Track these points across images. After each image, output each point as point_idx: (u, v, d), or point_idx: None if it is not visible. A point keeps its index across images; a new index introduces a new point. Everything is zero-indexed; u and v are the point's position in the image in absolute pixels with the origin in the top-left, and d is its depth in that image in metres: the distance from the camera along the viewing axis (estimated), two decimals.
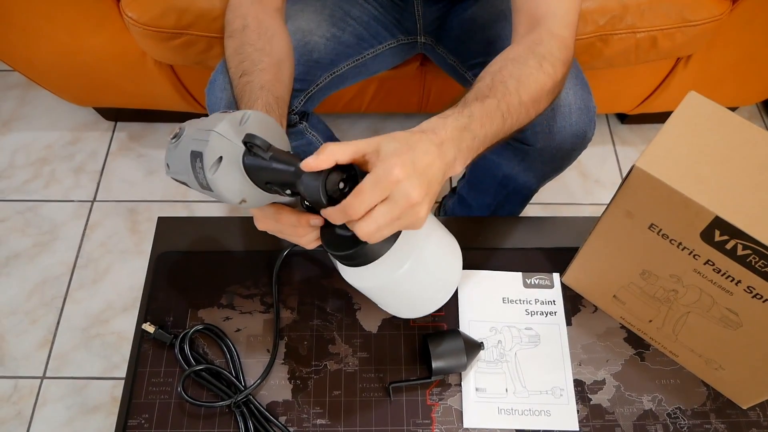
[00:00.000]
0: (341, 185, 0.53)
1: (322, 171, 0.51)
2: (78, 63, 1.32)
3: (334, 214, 0.52)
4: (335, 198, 0.53)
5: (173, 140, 0.61)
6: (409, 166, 0.51)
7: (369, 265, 0.58)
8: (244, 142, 0.55)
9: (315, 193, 0.52)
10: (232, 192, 0.57)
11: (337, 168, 0.53)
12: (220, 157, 0.55)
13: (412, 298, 0.66)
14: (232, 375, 0.73)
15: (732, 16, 1.19)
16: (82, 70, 1.35)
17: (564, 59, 0.70)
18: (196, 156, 0.56)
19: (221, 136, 0.55)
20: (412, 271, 0.60)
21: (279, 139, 0.60)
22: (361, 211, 0.50)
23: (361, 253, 0.57)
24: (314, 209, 0.59)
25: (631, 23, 1.16)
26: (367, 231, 0.51)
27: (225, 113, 0.58)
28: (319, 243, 0.64)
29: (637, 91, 1.46)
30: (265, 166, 0.55)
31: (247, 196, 0.58)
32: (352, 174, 0.55)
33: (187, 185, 0.63)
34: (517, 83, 0.64)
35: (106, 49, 1.27)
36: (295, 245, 0.79)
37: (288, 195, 0.58)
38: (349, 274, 0.63)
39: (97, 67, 1.34)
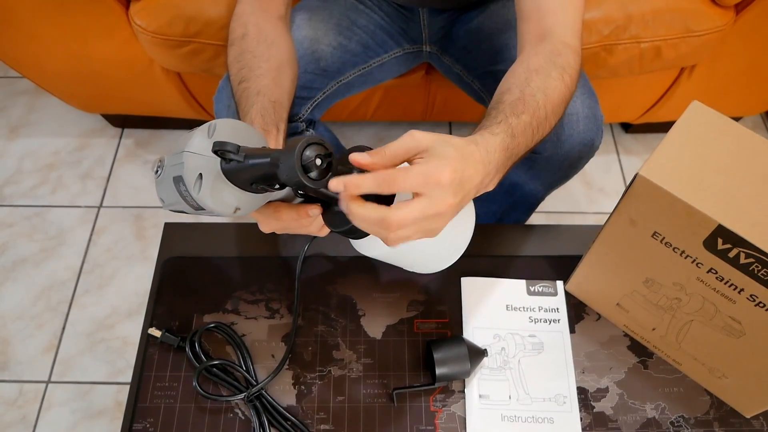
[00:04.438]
0: (318, 162, 0.53)
1: (294, 150, 0.51)
2: (86, 70, 1.34)
3: (367, 181, 0.50)
4: (316, 178, 0.53)
5: (157, 175, 0.61)
6: (458, 173, 0.51)
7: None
8: (215, 151, 0.55)
9: (293, 173, 0.51)
10: (222, 204, 0.57)
11: (310, 144, 0.52)
12: (200, 174, 0.56)
13: (428, 253, 0.66)
14: (243, 370, 0.74)
15: (736, 27, 1.20)
16: (91, 77, 1.36)
17: (578, 70, 0.71)
18: (179, 181, 0.56)
19: (193, 153, 0.55)
20: None
21: (252, 139, 0.60)
22: (401, 188, 0.50)
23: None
24: (310, 199, 0.60)
25: (636, 33, 1.17)
26: (393, 227, 0.50)
27: (193, 131, 0.58)
28: (327, 230, 0.64)
29: (641, 101, 1.47)
30: (242, 167, 0.55)
31: (239, 203, 0.58)
32: (327, 152, 0.54)
33: (186, 213, 0.63)
34: (544, 97, 0.64)
35: (114, 57, 1.29)
36: (313, 238, 0.80)
37: (277, 189, 0.58)
38: (361, 246, 0.64)
39: (105, 75, 1.35)
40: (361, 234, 0.59)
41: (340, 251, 0.83)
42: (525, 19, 0.74)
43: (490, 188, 0.60)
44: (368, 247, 0.64)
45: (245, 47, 0.76)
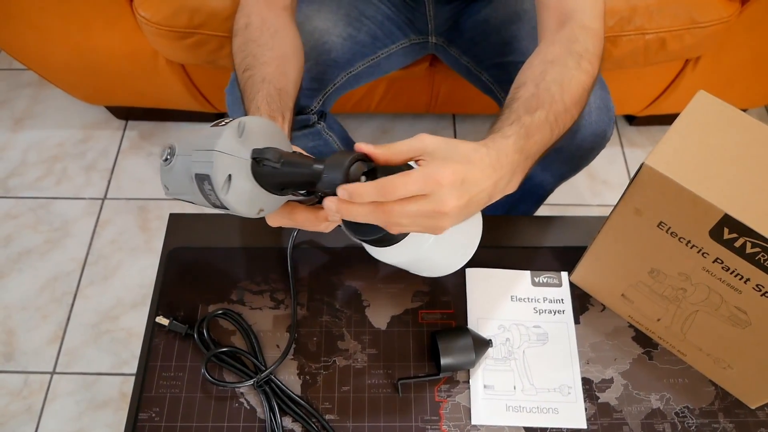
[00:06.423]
0: (362, 179, 0.53)
1: (343, 165, 0.51)
2: (90, 62, 1.34)
3: (367, 190, 0.51)
4: None
5: (166, 162, 0.59)
6: (459, 175, 0.51)
7: (396, 244, 0.59)
8: (254, 158, 0.54)
9: (337, 187, 0.52)
10: (248, 206, 0.56)
11: (359, 159, 0.52)
12: (229, 175, 0.54)
13: (441, 262, 0.67)
14: (252, 356, 0.75)
15: (741, 18, 1.19)
16: (95, 68, 1.36)
17: (599, 53, 0.69)
18: (203, 179, 0.54)
19: (224, 153, 0.53)
20: (438, 242, 0.60)
21: (279, 139, 0.59)
22: (399, 194, 0.50)
23: (389, 236, 0.58)
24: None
25: (640, 25, 1.16)
26: (393, 216, 0.51)
27: (217, 127, 0.56)
28: (335, 225, 0.64)
29: (646, 93, 1.46)
30: (277, 173, 0.54)
31: (264, 204, 0.57)
32: (371, 167, 0.54)
33: (192, 202, 0.61)
34: (560, 88, 0.63)
35: (118, 48, 1.29)
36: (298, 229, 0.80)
37: (302, 195, 0.58)
38: (378, 253, 0.64)
39: (109, 66, 1.35)
40: (382, 244, 0.59)
41: (345, 242, 0.83)
42: (544, 6, 0.73)
43: (510, 190, 0.59)
44: (384, 257, 0.63)
45: (249, 36, 0.76)
